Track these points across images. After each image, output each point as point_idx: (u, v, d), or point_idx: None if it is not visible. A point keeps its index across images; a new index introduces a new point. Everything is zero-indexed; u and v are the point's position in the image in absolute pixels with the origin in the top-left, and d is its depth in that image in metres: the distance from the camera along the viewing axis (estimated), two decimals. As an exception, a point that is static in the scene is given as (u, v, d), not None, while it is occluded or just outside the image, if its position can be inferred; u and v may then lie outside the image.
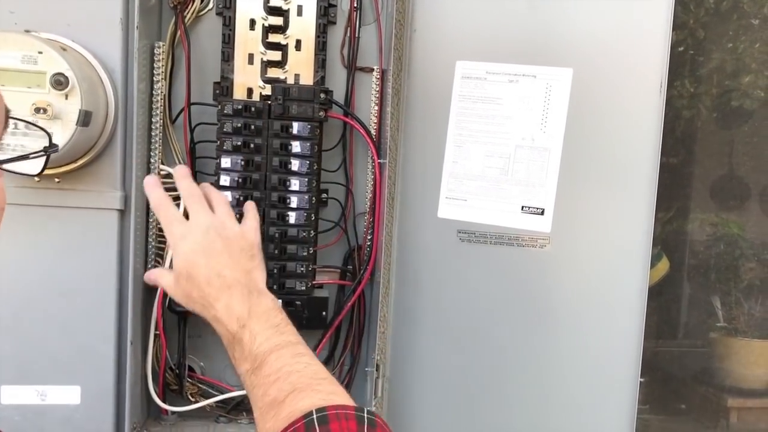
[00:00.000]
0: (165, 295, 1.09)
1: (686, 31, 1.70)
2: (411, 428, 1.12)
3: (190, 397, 1.15)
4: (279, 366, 0.64)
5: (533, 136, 1.03)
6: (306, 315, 1.11)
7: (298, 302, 1.10)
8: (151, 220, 1.08)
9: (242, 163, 1.06)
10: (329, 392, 0.59)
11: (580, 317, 1.03)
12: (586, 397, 1.04)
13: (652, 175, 0.99)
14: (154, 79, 1.06)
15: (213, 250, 0.83)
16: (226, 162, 1.06)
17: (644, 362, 1.58)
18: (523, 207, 1.04)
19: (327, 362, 1.18)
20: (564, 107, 1.01)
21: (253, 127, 1.06)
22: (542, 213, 1.03)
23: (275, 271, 1.08)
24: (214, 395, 1.15)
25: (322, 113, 1.08)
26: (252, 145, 1.06)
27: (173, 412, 1.14)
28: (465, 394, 1.10)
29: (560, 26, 1.00)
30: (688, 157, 1.70)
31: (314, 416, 0.52)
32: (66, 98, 0.87)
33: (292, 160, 1.07)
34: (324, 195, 1.16)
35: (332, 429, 0.50)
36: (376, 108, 1.13)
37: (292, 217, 1.08)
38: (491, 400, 1.08)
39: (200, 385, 1.16)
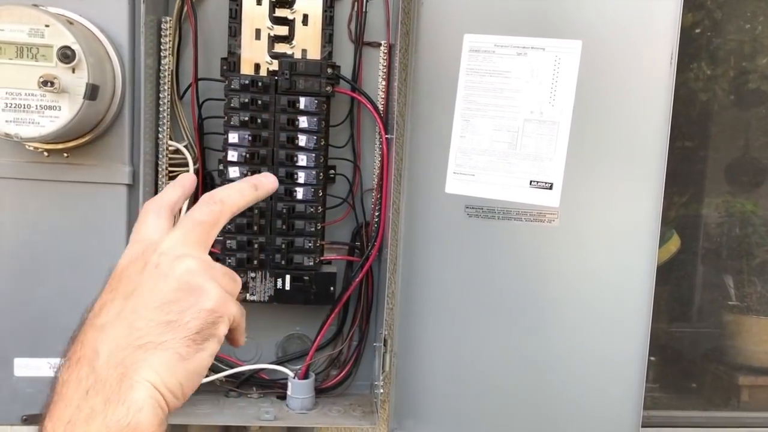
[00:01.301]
0: (174, 270, 1.10)
1: (703, 12, 1.66)
2: (419, 402, 1.13)
3: (199, 371, 1.16)
4: None
5: (542, 110, 1.02)
6: (314, 290, 1.11)
7: (306, 277, 1.10)
8: (159, 195, 1.08)
9: (250, 138, 1.06)
10: None
11: (588, 292, 1.03)
12: (594, 372, 1.04)
13: (662, 149, 0.98)
14: (162, 54, 1.06)
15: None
16: (233, 137, 1.06)
17: (655, 342, 1.58)
18: (531, 182, 1.03)
19: (336, 338, 1.19)
20: (573, 80, 1.00)
21: (260, 102, 1.05)
22: (551, 188, 1.02)
23: (283, 246, 1.08)
24: (224, 370, 1.17)
25: (329, 88, 1.08)
26: (259, 121, 1.06)
27: (183, 387, 1.15)
28: (473, 369, 1.10)
29: (569, -3, 0.99)
30: (704, 140, 1.68)
31: None
32: (73, 72, 0.87)
33: (299, 136, 1.07)
34: (332, 171, 1.15)
35: None
36: (384, 83, 1.13)
37: (299, 193, 1.08)
38: (499, 374, 1.08)
39: (210, 360, 1.17)
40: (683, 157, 1.62)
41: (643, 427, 1.29)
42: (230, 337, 0.56)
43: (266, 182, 0.62)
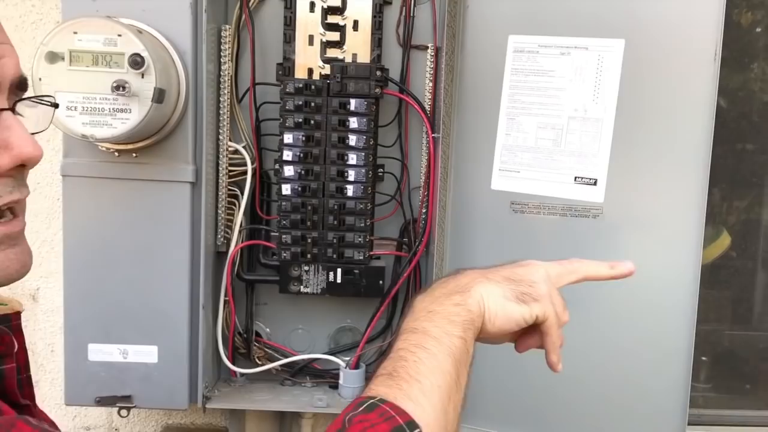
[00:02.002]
0: (234, 263, 1.17)
1: (763, 11, 1.64)
2: (467, 392, 1.16)
3: (257, 360, 1.22)
4: (399, 347, 0.60)
5: (586, 107, 1.04)
6: (364, 283, 1.16)
7: (356, 271, 1.15)
8: (220, 192, 1.15)
9: (303, 138, 1.12)
10: (408, 395, 0.54)
11: (633, 287, 1.04)
12: (639, 368, 1.05)
13: (707, 145, 0.98)
14: (222, 60, 1.13)
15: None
16: (288, 138, 1.12)
17: (710, 344, 1.56)
18: (576, 178, 1.05)
19: (385, 330, 1.23)
20: (616, 78, 1.02)
21: (313, 104, 1.11)
22: (595, 183, 1.04)
23: (335, 241, 1.14)
24: (280, 359, 1.23)
25: (378, 90, 1.13)
26: (312, 122, 1.11)
27: (242, 375, 1.22)
28: (518, 364, 1.12)
29: (612, -3, 1.01)
30: (765, 142, 1.65)
31: (369, 402, 0.52)
32: (142, 77, 0.94)
33: (349, 136, 1.12)
34: (380, 170, 1.20)
35: (369, 418, 0.51)
36: (431, 84, 1.17)
37: (349, 190, 1.13)
38: (544, 369, 1.10)
39: (266, 350, 1.24)
40: (743, 159, 1.59)
41: (693, 425, 1.29)
42: (546, 354, 0.71)
43: (624, 266, 0.72)
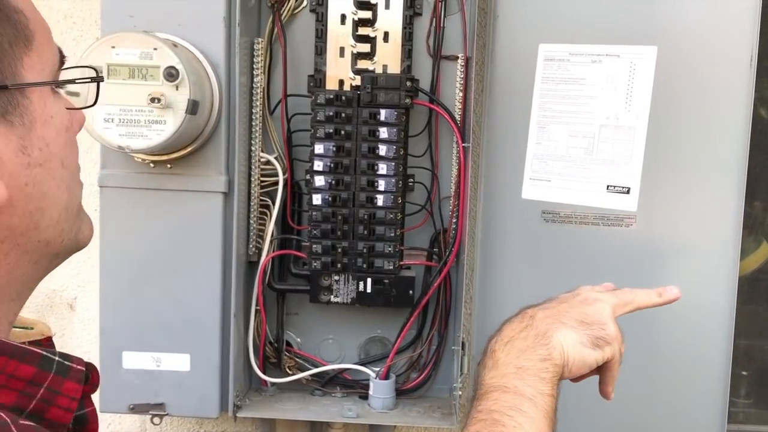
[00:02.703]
0: (265, 272, 1.18)
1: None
2: (497, 406, 1.14)
3: (287, 370, 1.23)
4: (491, 408, 0.60)
5: (618, 115, 1.03)
6: (394, 293, 1.16)
7: (386, 281, 1.15)
8: (252, 203, 1.16)
9: (334, 149, 1.13)
10: None
11: (668, 296, 1.02)
12: (675, 379, 1.03)
13: (743, 153, 0.96)
14: (254, 72, 1.15)
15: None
16: (319, 148, 1.13)
17: (751, 359, 1.52)
18: (608, 186, 1.04)
19: (415, 340, 1.23)
20: (649, 85, 1.00)
21: (343, 115, 1.12)
22: (628, 192, 1.03)
23: (365, 251, 1.14)
24: (310, 369, 1.23)
25: (408, 100, 1.13)
26: (343, 132, 1.12)
27: (272, 384, 1.23)
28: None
29: (643, 3, 1.00)
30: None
31: None
32: (177, 89, 0.97)
33: (379, 146, 1.12)
34: (410, 180, 1.20)
35: None
36: (461, 94, 1.17)
37: (380, 200, 1.13)
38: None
39: (297, 359, 1.24)
40: None
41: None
42: (601, 384, 0.73)
43: (670, 292, 0.76)
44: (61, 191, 0.49)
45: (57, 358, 0.47)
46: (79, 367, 0.49)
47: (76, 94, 0.57)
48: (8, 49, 0.45)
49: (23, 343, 0.48)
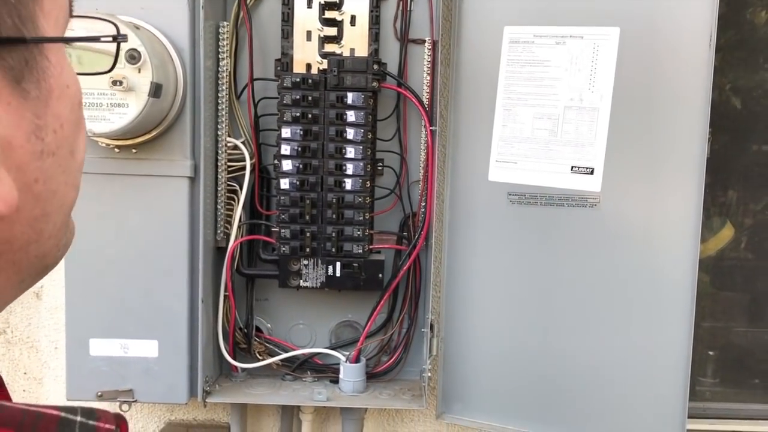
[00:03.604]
0: (233, 258, 1.18)
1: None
2: (467, 387, 1.16)
3: (258, 355, 1.23)
4: None
5: (582, 96, 1.04)
6: (363, 277, 1.16)
7: (355, 264, 1.15)
8: (219, 188, 1.16)
9: (301, 132, 1.12)
10: None
11: (631, 275, 1.04)
12: (637, 357, 1.04)
13: (703, 133, 0.98)
14: (220, 56, 1.14)
15: None
16: (286, 132, 1.13)
17: (717, 340, 1.54)
18: (572, 167, 1.05)
19: (386, 324, 1.23)
20: (612, 66, 1.01)
21: (310, 98, 1.12)
22: (592, 172, 1.04)
23: (333, 235, 1.14)
24: (281, 354, 1.23)
25: (375, 84, 1.13)
26: (310, 116, 1.12)
27: (243, 370, 1.22)
28: (518, 353, 1.12)
29: (606, -15, 1.01)
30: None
31: None
32: (139, 72, 0.95)
33: (347, 129, 1.12)
34: (379, 164, 1.21)
35: None
36: (428, 78, 1.17)
37: (348, 184, 1.13)
38: (543, 358, 1.10)
39: (267, 345, 1.24)
40: (759, 160, 1.57)
41: (699, 418, 1.28)
42: None
43: None
44: (69, 189, 0.38)
45: (79, 419, 0.37)
46: (107, 426, 0.38)
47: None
48: None
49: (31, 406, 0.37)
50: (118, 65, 0.95)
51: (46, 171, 0.34)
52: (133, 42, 0.95)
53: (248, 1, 1.17)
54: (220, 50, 1.14)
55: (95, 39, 0.42)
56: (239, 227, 1.18)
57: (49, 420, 0.34)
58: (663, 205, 1.02)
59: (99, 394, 1.13)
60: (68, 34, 0.37)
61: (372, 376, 1.23)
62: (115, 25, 0.45)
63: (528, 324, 1.11)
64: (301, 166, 1.13)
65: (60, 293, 1.26)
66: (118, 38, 0.43)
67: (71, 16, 0.37)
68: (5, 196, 0.31)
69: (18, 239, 0.33)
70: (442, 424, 1.30)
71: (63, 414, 0.35)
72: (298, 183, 1.13)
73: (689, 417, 1.02)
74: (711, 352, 1.52)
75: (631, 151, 1.02)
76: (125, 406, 1.14)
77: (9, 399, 0.40)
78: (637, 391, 1.06)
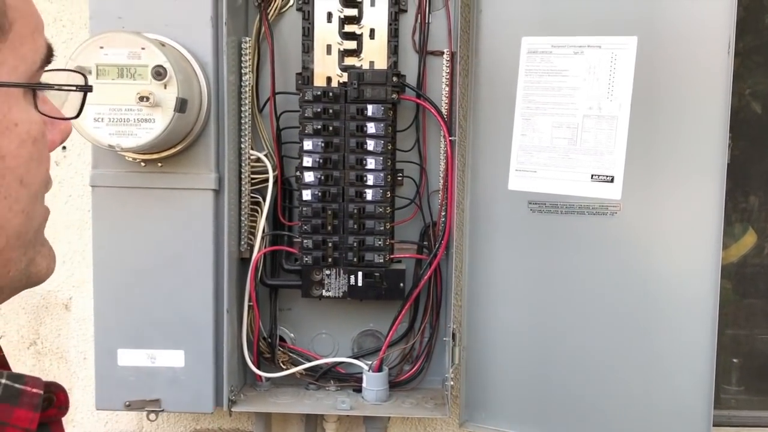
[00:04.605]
0: (257, 268, 1.20)
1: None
2: (490, 395, 1.16)
3: (281, 365, 1.24)
4: None
5: (600, 105, 1.04)
6: (385, 286, 1.17)
7: (376, 274, 1.17)
8: (243, 200, 1.18)
9: (322, 145, 1.14)
10: None
11: (652, 282, 1.04)
12: (661, 364, 1.04)
13: (723, 139, 0.98)
14: (243, 71, 1.16)
15: None
16: (308, 144, 1.15)
17: (741, 347, 1.53)
18: (592, 175, 1.06)
19: (408, 333, 1.24)
20: (630, 74, 1.02)
21: (331, 111, 1.14)
22: (612, 180, 1.04)
23: (355, 245, 1.15)
24: (304, 363, 1.24)
25: (394, 95, 1.15)
26: (331, 128, 1.14)
27: (267, 379, 1.24)
28: (540, 361, 1.12)
29: (623, -5, 1.02)
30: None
31: None
32: (165, 88, 0.98)
33: (367, 141, 1.14)
34: (399, 174, 1.22)
35: None
36: (447, 89, 1.19)
37: (369, 194, 1.15)
38: (565, 366, 1.10)
39: (291, 354, 1.25)
40: None
41: (724, 426, 1.27)
42: None
43: None
44: (13, 214, 0.41)
45: (4, 381, 0.39)
46: (34, 390, 0.40)
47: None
48: None
49: None
50: (144, 81, 0.98)
51: None
52: (158, 59, 0.98)
53: (270, 17, 1.19)
54: (242, 65, 1.16)
55: (49, 87, 0.44)
56: (262, 238, 1.20)
57: None
58: (684, 212, 1.02)
59: (127, 403, 1.15)
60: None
61: (395, 385, 1.24)
62: (84, 76, 0.48)
63: (549, 332, 1.11)
64: (322, 177, 1.15)
65: (89, 304, 1.28)
66: (84, 88, 0.47)
67: (45, 67, 0.43)
68: None
69: None
70: (465, 433, 1.31)
71: None
72: (319, 194, 1.15)
73: (714, 425, 1.01)
74: (735, 360, 1.51)
75: (651, 159, 1.03)
76: (152, 416, 1.16)
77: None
78: (661, 400, 1.06)
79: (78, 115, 0.48)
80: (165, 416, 1.33)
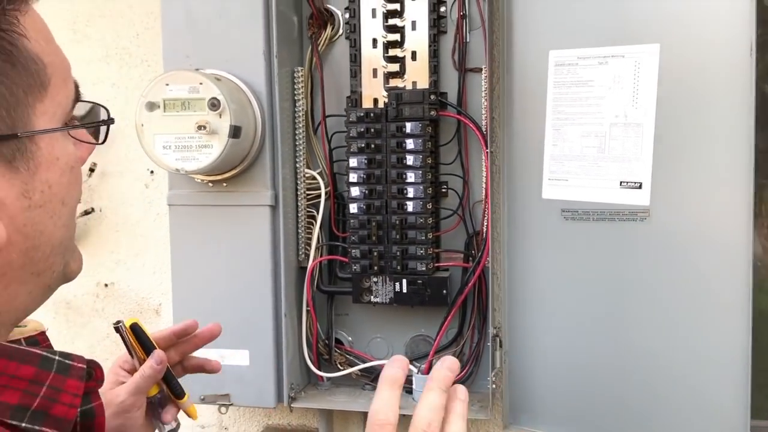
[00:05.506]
0: (313, 276, 1.31)
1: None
2: (533, 398, 1.19)
3: (338, 366, 1.34)
4: None
5: (626, 113, 1.06)
6: (428, 293, 1.24)
7: (419, 281, 1.24)
8: (299, 214, 1.30)
9: (366, 161, 1.24)
10: None
11: (684, 287, 1.03)
12: (695, 369, 1.03)
13: (749, 141, 0.96)
14: (296, 97, 1.28)
15: None
16: (353, 162, 1.25)
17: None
18: (621, 182, 1.07)
19: (456, 338, 1.30)
20: (653, 81, 1.03)
21: (373, 130, 1.23)
22: (640, 187, 1.05)
23: (398, 254, 1.23)
24: (359, 365, 1.33)
25: (433, 112, 1.22)
26: (373, 146, 1.23)
27: (327, 379, 1.34)
28: (580, 365, 1.14)
29: (644, 2, 1.03)
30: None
31: None
32: (219, 117, 1.12)
33: (407, 156, 1.22)
34: (444, 186, 1.29)
35: None
36: (486, 103, 1.24)
37: (410, 206, 1.23)
38: (603, 369, 1.11)
39: (348, 356, 1.35)
40: None
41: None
42: None
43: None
44: (57, 228, 0.50)
45: (57, 358, 0.49)
46: (79, 365, 0.51)
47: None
48: (23, 98, 0.46)
49: (19, 342, 0.52)
50: (202, 112, 1.12)
51: (33, 218, 0.47)
52: (213, 92, 1.11)
53: (321, 46, 1.31)
54: (295, 92, 1.28)
55: (82, 126, 0.53)
56: (317, 248, 1.31)
57: (33, 357, 0.48)
58: (712, 215, 1.01)
59: (202, 397, 1.29)
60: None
61: (445, 388, 1.30)
62: (106, 110, 0.58)
63: (586, 335, 1.13)
64: (366, 191, 1.24)
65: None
66: (107, 122, 0.57)
67: (78, 101, 0.52)
68: None
69: (16, 262, 0.47)
70: (510, 435, 1.34)
71: (44, 353, 0.48)
72: (364, 207, 1.24)
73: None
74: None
75: (678, 164, 1.03)
76: (223, 409, 1.29)
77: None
78: (701, 404, 1.04)
79: (104, 141, 0.58)
80: (241, 411, 1.46)
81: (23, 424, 0.46)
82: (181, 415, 0.89)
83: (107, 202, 1.49)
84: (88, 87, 1.46)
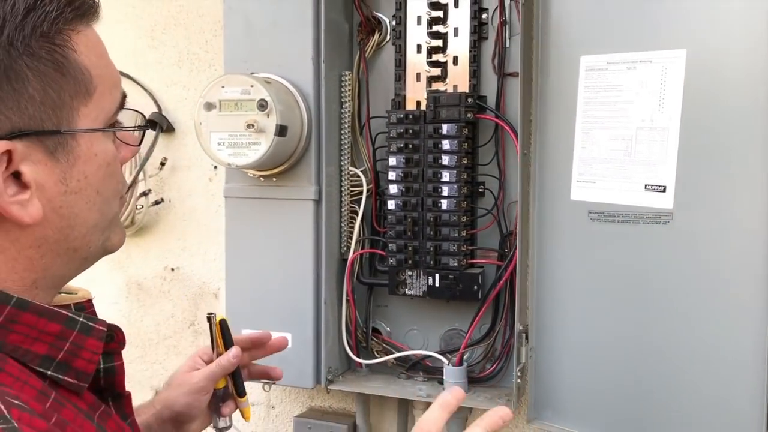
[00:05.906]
0: (353, 268, 1.39)
1: None
2: (557, 395, 1.22)
3: (375, 353, 1.42)
4: None
5: (652, 117, 1.07)
6: (460, 288, 1.30)
7: (451, 276, 1.29)
8: (343, 209, 1.38)
9: (404, 160, 1.30)
10: None
11: (705, 289, 1.04)
12: (715, 369, 1.03)
13: (773, 144, 0.96)
14: (342, 99, 1.37)
15: None
16: (392, 161, 1.32)
17: None
18: (646, 185, 1.09)
19: (488, 333, 1.35)
20: (679, 87, 1.04)
21: (411, 131, 1.30)
22: (664, 190, 1.07)
23: (431, 249, 1.29)
24: (395, 354, 1.40)
25: (470, 115, 1.27)
26: (411, 146, 1.30)
27: (366, 366, 1.42)
28: (604, 363, 1.16)
29: (671, 8, 1.05)
30: None
31: None
32: (267, 117, 1.22)
33: (443, 156, 1.28)
34: (481, 186, 1.34)
35: None
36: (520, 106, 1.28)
37: (444, 204, 1.28)
38: (626, 368, 1.13)
39: (384, 345, 1.42)
40: None
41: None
42: None
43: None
44: (91, 213, 0.57)
45: (81, 320, 0.56)
46: (101, 328, 0.58)
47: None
48: (69, 101, 0.54)
49: (68, 307, 0.58)
50: (252, 112, 1.23)
51: (69, 202, 0.55)
52: (262, 93, 1.22)
53: (368, 52, 1.39)
54: (342, 94, 1.37)
55: (120, 129, 0.60)
56: (359, 242, 1.39)
57: (60, 317, 0.55)
58: (735, 220, 1.01)
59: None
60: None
61: (477, 381, 1.35)
62: (143, 116, 0.67)
63: (611, 334, 1.15)
64: (404, 189, 1.31)
65: (230, 294, 1.57)
66: (143, 127, 0.65)
67: (121, 109, 0.60)
68: (33, 213, 0.53)
69: (51, 236, 0.55)
70: (534, 429, 1.37)
71: (71, 315, 0.56)
72: (401, 204, 1.31)
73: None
74: None
75: (701, 168, 1.04)
76: (267, 387, 1.40)
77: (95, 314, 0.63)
78: (718, 405, 1.05)
79: (140, 145, 0.65)
80: (287, 392, 1.56)
81: (49, 372, 0.54)
82: (236, 417, 0.97)
83: (176, 193, 1.63)
84: (162, 89, 1.61)
